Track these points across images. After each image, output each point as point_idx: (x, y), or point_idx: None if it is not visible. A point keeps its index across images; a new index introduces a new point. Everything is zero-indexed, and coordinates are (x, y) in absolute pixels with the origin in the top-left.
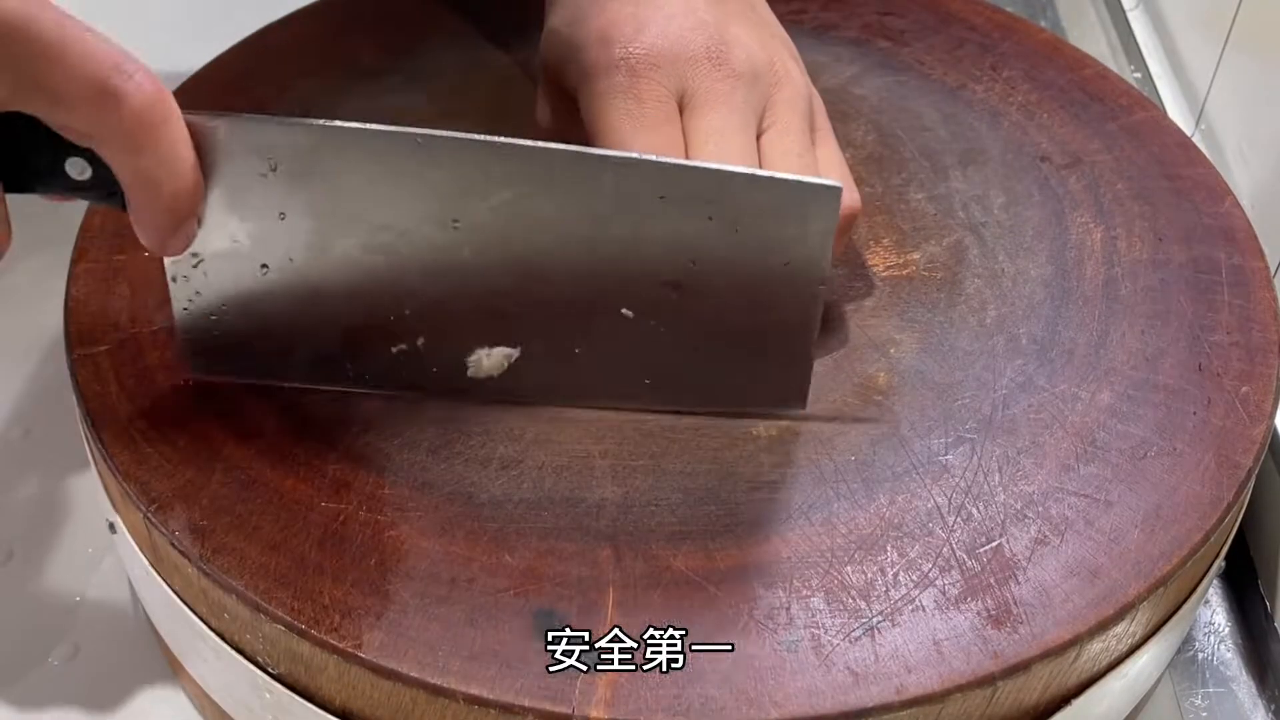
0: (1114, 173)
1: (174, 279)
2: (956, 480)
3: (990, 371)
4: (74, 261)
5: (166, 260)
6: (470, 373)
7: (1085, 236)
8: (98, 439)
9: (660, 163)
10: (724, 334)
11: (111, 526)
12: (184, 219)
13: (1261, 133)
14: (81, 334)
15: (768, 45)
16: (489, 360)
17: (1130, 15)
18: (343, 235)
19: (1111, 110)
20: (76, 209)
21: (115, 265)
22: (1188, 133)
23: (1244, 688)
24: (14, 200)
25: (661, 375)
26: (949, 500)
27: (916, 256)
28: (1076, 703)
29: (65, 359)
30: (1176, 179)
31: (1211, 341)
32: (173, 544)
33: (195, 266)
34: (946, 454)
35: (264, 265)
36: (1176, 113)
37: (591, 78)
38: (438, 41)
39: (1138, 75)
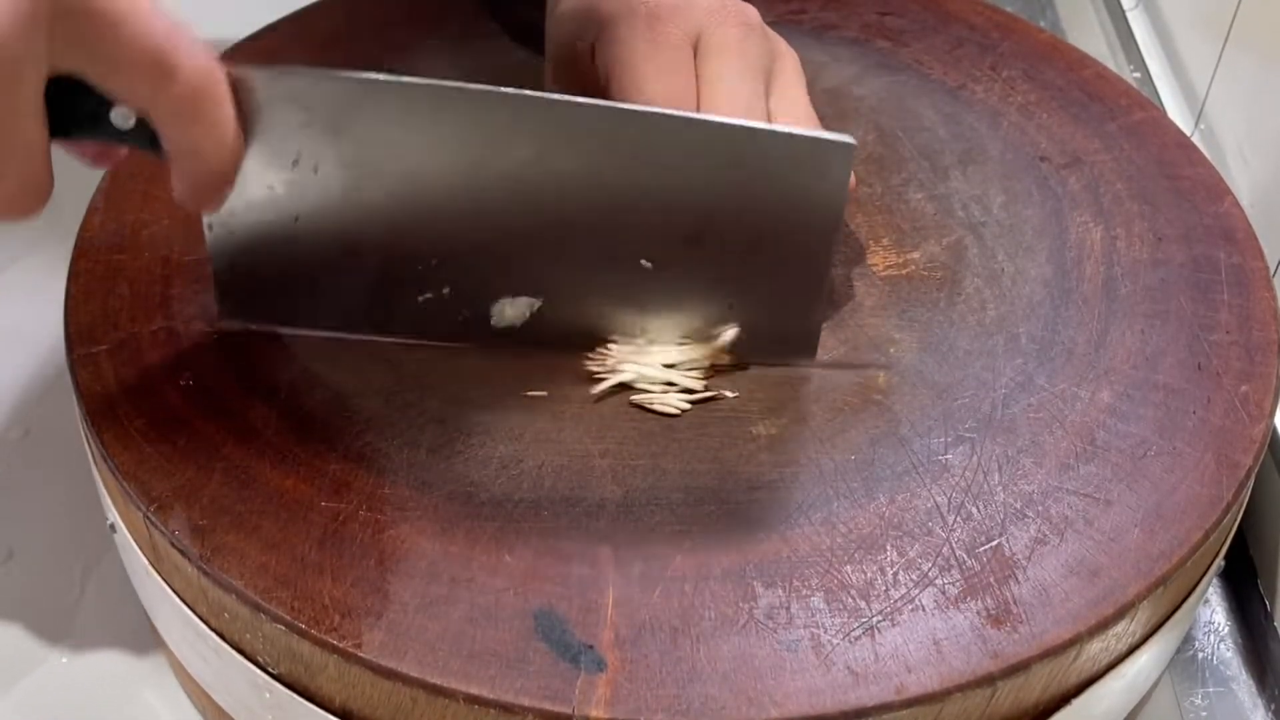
0: (1114, 172)
1: (210, 227)
2: (956, 479)
3: (990, 371)
4: (74, 261)
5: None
6: (494, 322)
7: (1085, 236)
8: (98, 439)
9: (682, 117)
10: (739, 285)
11: (111, 526)
12: (222, 184)
13: (1261, 132)
14: (81, 334)
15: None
16: (512, 309)
17: (1130, 15)
18: (373, 185)
19: (1111, 110)
20: (76, 210)
21: (115, 265)
22: (1187, 133)
23: (1244, 687)
24: None
25: (677, 324)
26: (949, 499)
27: (916, 256)
28: (1076, 702)
29: (65, 359)
30: (1176, 179)
31: (1211, 341)
32: (173, 544)
33: (231, 216)
34: (946, 453)
35: (296, 215)
36: (1176, 113)
37: (612, 24)
38: (435, 45)
39: (1137, 75)
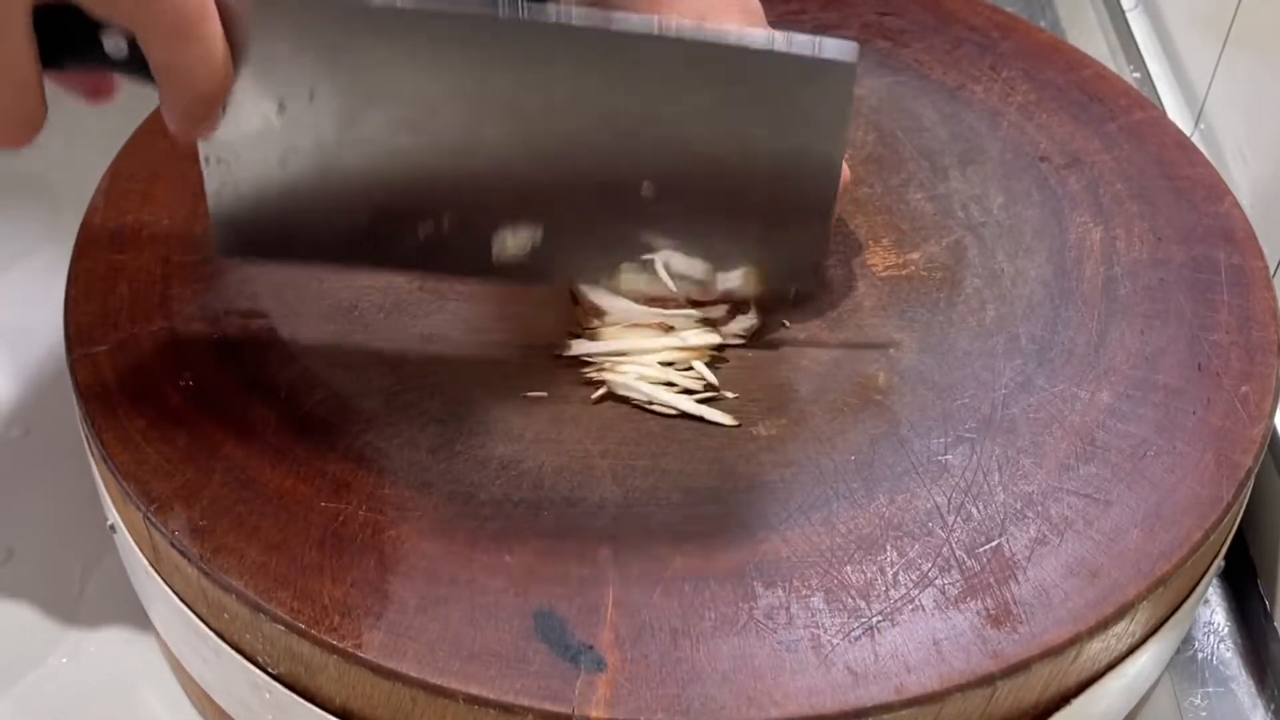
0: (1113, 173)
1: (206, 160)
2: (956, 480)
3: (990, 371)
4: (74, 261)
5: (200, 144)
6: (495, 254)
7: (1085, 236)
8: (98, 439)
9: (680, 38)
10: (742, 211)
11: (111, 527)
12: (212, 108)
13: (1261, 133)
14: (81, 334)
15: None
16: (513, 241)
17: (1129, 15)
18: (371, 114)
19: (1111, 110)
20: (76, 210)
21: (115, 265)
22: (1187, 133)
23: (1243, 687)
24: (15, 200)
25: (680, 255)
26: (949, 500)
27: (916, 256)
28: (1076, 702)
29: (65, 359)
30: (1176, 179)
31: (1211, 341)
32: (173, 544)
33: (227, 148)
34: (946, 454)
35: (294, 146)
36: (1176, 113)
37: (620, 10)
38: None
39: (1137, 75)
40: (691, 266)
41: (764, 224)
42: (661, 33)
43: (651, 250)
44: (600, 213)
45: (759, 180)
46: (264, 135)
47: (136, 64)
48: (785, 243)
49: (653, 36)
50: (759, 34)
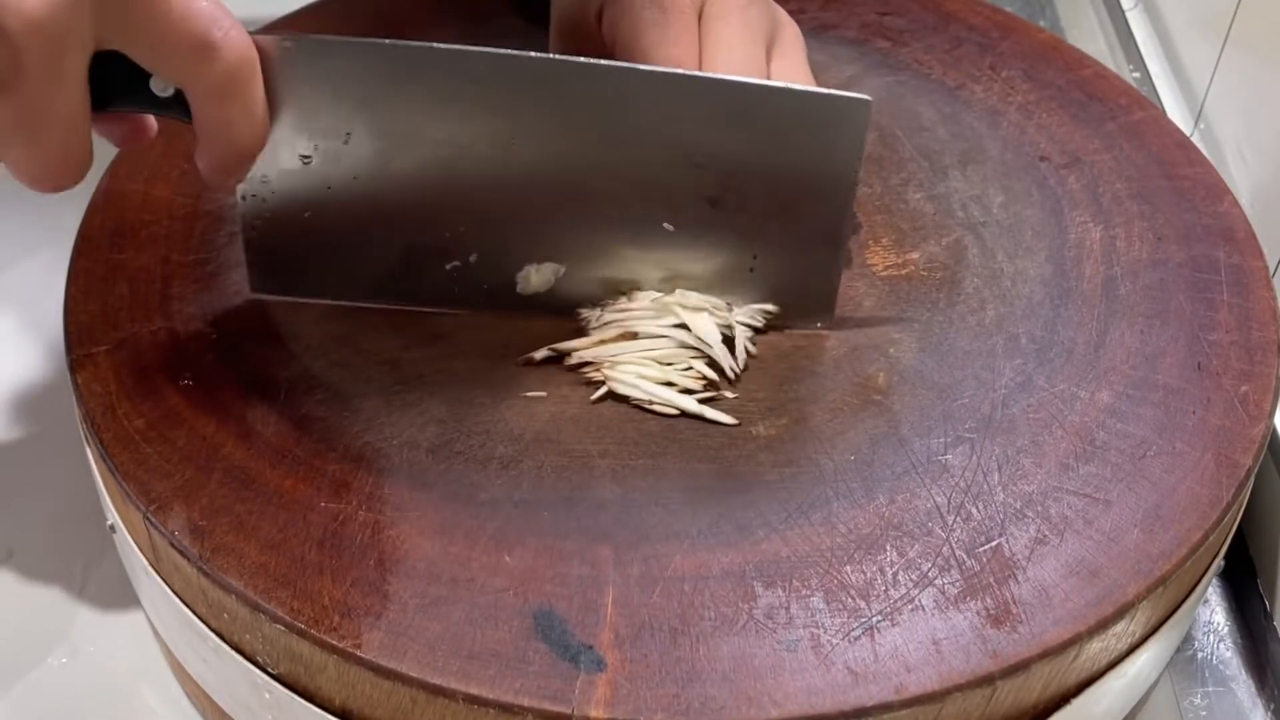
0: (1113, 172)
1: (243, 198)
2: (956, 480)
3: (989, 371)
4: (74, 261)
5: None
6: (519, 289)
7: (1084, 236)
8: (98, 439)
9: (699, 78)
10: (760, 245)
11: (111, 527)
12: (248, 161)
13: (1261, 132)
14: (81, 334)
15: None
16: (537, 276)
17: (1129, 15)
18: (404, 154)
19: (1110, 110)
20: (76, 210)
21: (115, 265)
22: (1187, 132)
23: (1243, 687)
24: (14, 200)
25: (698, 286)
26: (948, 500)
27: (915, 256)
28: (1076, 702)
29: (65, 359)
30: (1175, 178)
31: (1210, 341)
32: (172, 544)
33: (263, 185)
34: (946, 453)
35: (328, 185)
36: (1175, 112)
37: None
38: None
39: (1136, 75)
40: (707, 301)
41: (780, 254)
42: (684, 75)
43: (672, 281)
44: (623, 249)
45: (775, 213)
46: (300, 173)
47: (179, 106)
48: (799, 271)
49: (676, 77)
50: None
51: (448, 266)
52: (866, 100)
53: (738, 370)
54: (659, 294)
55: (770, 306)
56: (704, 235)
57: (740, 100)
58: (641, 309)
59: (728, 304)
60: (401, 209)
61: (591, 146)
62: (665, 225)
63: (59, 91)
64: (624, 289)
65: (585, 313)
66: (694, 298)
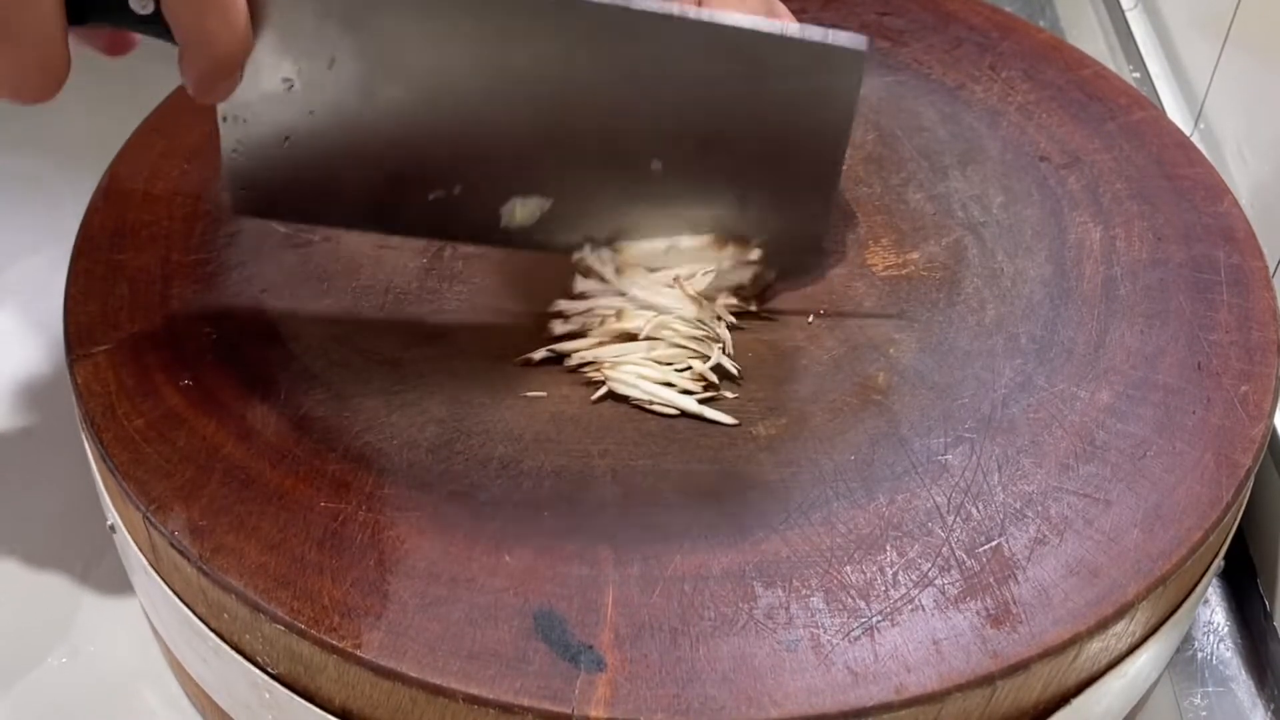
0: (1113, 172)
1: (224, 119)
2: (956, 480)
3: (989, 371)
4: (74, 261)
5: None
6: (504, 222)
7: (1084, 236)
8: (97, 439)
9: (695, 20)
10: (748, 187)
11: (111, 527)
12: (231, 73)
13: (1261, 132)
14: (81, 334)
15: None
16: (522, 210)
17: (1129, 15)
18: (389, 82)
19: (1110, 110)
20: (76, 210)
21: (115, 265)
22: (1187, 132)
23: (1243, 687)
24: (15, 200)
25: (686, 226)
26: (948, 500)
27: (915, 256)
28: (1076, 702)
29: (65, 359)
30: (1175, 179)
31: (1210, 341)
32: (172, 544)
33: (246, 108)
34: (946, 453)
35: (311, 110)
36: (1175, 112)
37: None
38: None
39: (1136, 75)
40: (695, 241)
41: (768, 200)
42: (680, 14)
43: (657, 224)
44: (609, 186)
45: (766, 158)
46: (283, 97)
47: (159, 23)
48: (789, 215)
49: (671, 18)
50: (774, 22)
51: (431, 197)
52: (862, 50)
53: (734, 372)
54: (654, 249)
55: (755, 256)
56: (692, 176)
57: (734, 42)
58: (638, 286)
59: (715, 245)
60: (385, 138)
61: (581, 81)
62: (654, 164)
63: (32, 5)
64: (611, 231)
65: (578, 255)
66: (684, 238)
